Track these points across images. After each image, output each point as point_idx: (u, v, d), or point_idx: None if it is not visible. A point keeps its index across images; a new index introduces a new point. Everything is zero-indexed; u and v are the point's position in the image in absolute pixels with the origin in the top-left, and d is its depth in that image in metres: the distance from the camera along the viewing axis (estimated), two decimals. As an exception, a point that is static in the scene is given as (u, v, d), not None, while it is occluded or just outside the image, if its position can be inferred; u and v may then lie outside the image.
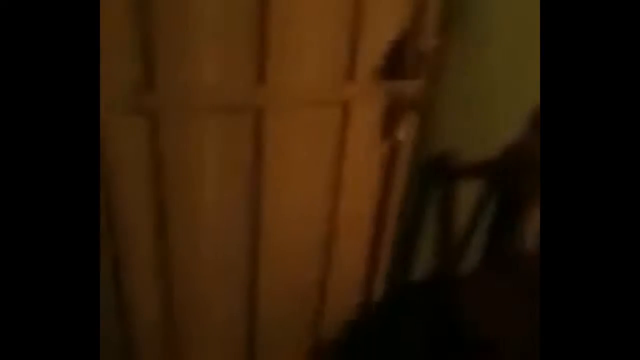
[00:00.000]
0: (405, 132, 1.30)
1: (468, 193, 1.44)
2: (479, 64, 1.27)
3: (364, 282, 1.53)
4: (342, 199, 1.36)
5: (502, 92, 1.32)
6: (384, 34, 1.17)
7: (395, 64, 1.21)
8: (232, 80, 1.09)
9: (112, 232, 1.15)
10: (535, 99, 1.35)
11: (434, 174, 1.38)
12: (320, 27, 1.11)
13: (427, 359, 1.55)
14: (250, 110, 1.14)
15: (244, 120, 1.15)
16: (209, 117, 1.12)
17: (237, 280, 1.38)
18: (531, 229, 1.48)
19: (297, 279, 1.44)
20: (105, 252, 1.16)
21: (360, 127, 1.27)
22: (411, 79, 1.23)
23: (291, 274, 1.42)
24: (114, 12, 0.94)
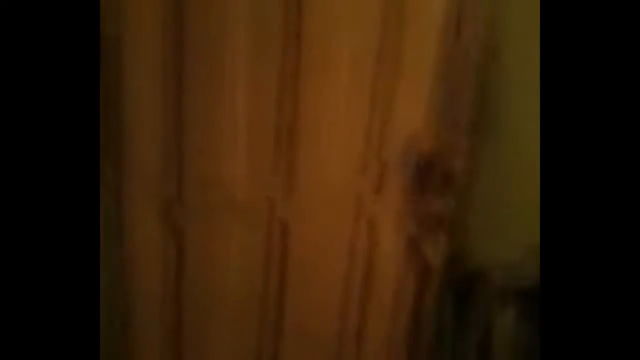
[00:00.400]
0: (433, 251, 1.25)
1: (505, 314, 1.33)
2: (509, 180, 1.25)
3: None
4: (370, 323, 1.28)
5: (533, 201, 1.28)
6: (409, 152, 1.19)
7: (424, 181, 1.21)
8: (258, 194, 1.11)
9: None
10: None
11: (469, 298, 1.30)
12: (344, 144, 1.14)
13: None
14: (275, 221, 1.14)
15: (269, 233, 1.15)
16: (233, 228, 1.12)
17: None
18: None
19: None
20: None
21: (386, 245, 1.24)
22: (440, 196, 1.22)
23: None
24: (150, 129, 1.01)
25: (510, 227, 1.27)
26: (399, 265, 1.27)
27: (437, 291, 1.29)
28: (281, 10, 1.01)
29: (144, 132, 1.01)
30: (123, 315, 1.09)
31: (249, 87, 1.05)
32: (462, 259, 1.28)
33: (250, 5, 1.00)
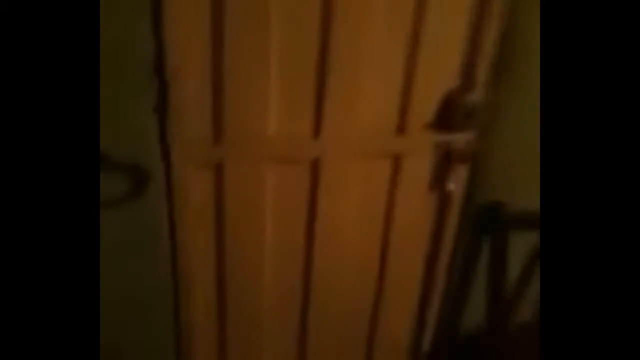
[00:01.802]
0: (455, 184, 1.32)
1: (521, 245, 1.42)
2: (531, 117, 1.29)
3: (414, 330, 1.53)
4: (392, 248, 1.38)
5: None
6: (435, 89, 1.23)
7: (446, 117, 1.25)
8: (291, 133, 1.17)
9: (176, 271, 1.22)
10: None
11: (486, 225, 1.38)
12: (373, 83, 1.18)
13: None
14: (306, 160, 1.21)
15: (301, 170, 1.22)
16: (268, 167, 1.19)
17: (287, 324, 1.42)
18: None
19: (344, 329, 1.46)
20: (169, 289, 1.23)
21: (411, 179, 1.31)
22: (461, 132, 1.27)
23: (339, 323, 1.44)
24: (188, 70, 1.05)
25: (530, 164, 1.33)
26: (421, 197, 1.35)
27: (457, 220, 1.38)
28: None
29: (189, 88, 1.07)
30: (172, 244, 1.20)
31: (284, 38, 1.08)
32: (482, 192, 1.35)
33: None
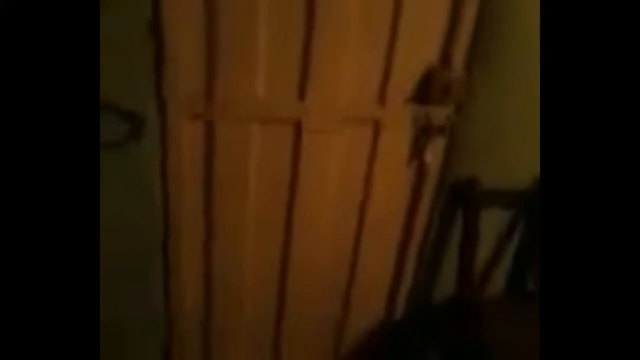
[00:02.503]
0: (432, 156, 1.40)
1: (494, 220, 1.49)
2: (509, 94, 1.36)
3: (387, 298, 1.60)
4: (369, 214, 1.47)
5: (531, 123, 1.40)
6: (415, 62, 1.31)
7: (425, 91, 1.34)
8: (277, 95, 1.27)
9: (167, 229, 1.33)
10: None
11: (460, 199, 1.46)
12: (356, 53, 1.27)
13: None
14: (291, 122, 1.31)
15: (285, 130, 1.31)
16: (255, 126, 1.29)
17: (268, 283, 1.51)
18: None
19: (323, 287, 1.54)
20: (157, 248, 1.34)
21: (389, 149, 1.39)
22: (439, 106, 1.35)
23: (317, 282, 1.53)
24: (183, 30, 1.16)
25: (506, 140, 1.40)
26: (399, 167, 1.43)
27: (432, 193, 1.46)
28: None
29: (184, 46, 1.18)
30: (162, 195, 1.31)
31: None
32: (458, 167, 1.43)
33: None
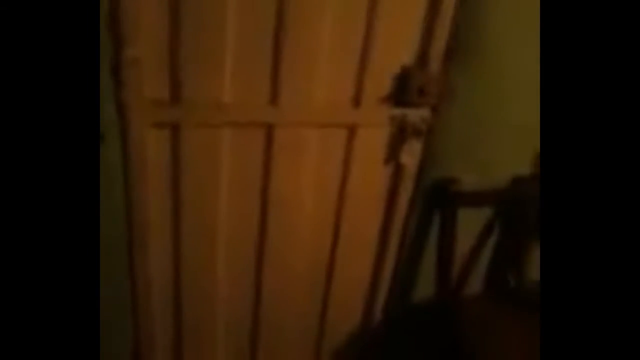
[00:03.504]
0: (409, 157, 1.37)
1: (472, 221, 1.48)
2: (485, 95, 1.33)
3: (366, 299, 1.58)
4: (346, 216, 1.43)
5: (508, 123, 1.37)
6: (391, 63, 1.26)
7: (401, 92, 1.29)
8: (247, 98, 1.21)
9: (131, 232, 1.27)
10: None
11: (437, 200, 1.43)
12: (330, 54, 1.21)
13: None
14: (262, 127, 1.25)
15: (256, 135, 1.26)
16: (224, 130, 1.23)
17: (243, 284, 1.47)
18: (533, 260, 1.49)
19: (300, 288, 1.51)
20: (122, 257, 1.28)
21: (366, 151, 1.35)
22: (416, 108, 1.31)
23: (295, 283, 1.50)
24: (149, 35, 1.09)
25: (481, 143, 1.38)
26: (375, 169, 1.39)
27: (410, 195, 1.43)
28: None
29: (145, 48, 1.10)
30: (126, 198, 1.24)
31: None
32: (435, 168, 1.40)
33: None
